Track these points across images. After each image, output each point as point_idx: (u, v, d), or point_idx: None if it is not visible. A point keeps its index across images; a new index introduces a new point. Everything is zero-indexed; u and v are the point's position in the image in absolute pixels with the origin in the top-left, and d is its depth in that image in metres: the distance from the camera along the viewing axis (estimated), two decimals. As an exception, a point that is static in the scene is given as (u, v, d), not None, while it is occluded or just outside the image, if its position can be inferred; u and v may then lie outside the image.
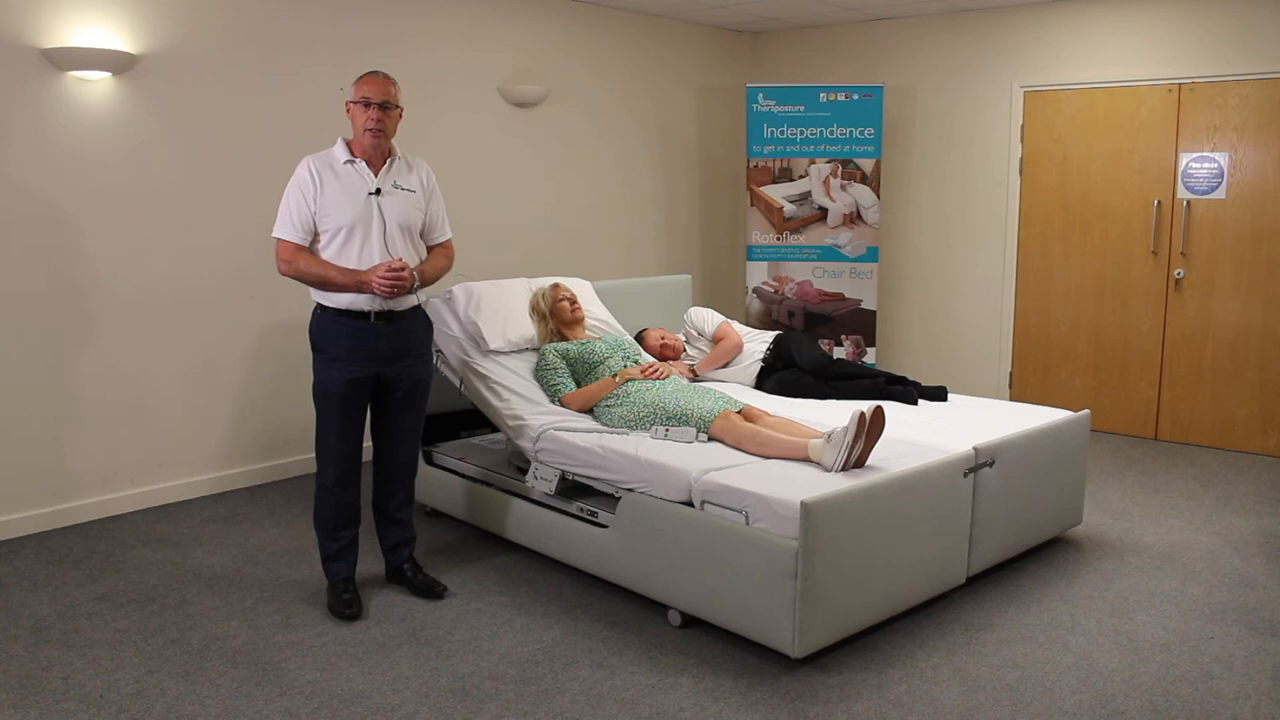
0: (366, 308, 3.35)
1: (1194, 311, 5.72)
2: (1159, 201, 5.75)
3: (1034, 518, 3.91)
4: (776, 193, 6.52)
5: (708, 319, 4.94)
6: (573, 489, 3.84)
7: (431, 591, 3.61)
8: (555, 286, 4.48)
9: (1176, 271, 5.74)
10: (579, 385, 4.18)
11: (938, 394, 4.48)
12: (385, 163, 3.41)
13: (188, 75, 4.57)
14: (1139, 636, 3.31)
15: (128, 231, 4.44)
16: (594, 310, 4.73)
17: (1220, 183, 5.56)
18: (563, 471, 3.81)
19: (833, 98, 6.40)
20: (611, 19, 6.37)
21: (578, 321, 4.44)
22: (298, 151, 4.93)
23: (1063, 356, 6.22)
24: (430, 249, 3.58)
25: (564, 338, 4.38)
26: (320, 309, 3.40)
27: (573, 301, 4.44)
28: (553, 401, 4.15)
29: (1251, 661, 3.14)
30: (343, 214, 3.31)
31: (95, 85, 4.31)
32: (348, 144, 3.41)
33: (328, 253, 3.34)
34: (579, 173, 6.31)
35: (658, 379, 4.11)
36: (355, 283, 3.30)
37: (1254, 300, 5.52)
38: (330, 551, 3.54)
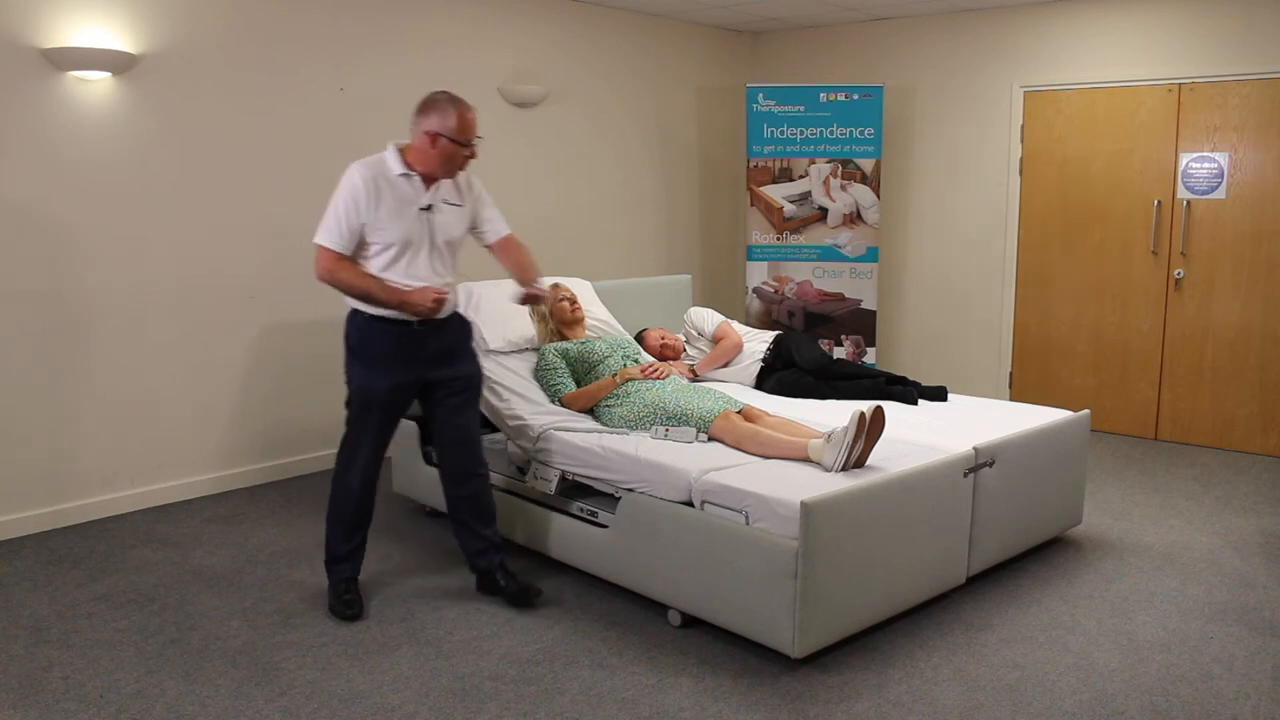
0: (409, 316, 3.29)
1: (1194, 311, 5.72)
2: (1159, 201, 5.75)
3: (1034, 518, 3.91)
4: (776, 193, 6.52)
5: (708, 319, 4.94)
6: (573, 489, 3.84)
7: (524, 597, 3.50)
8: (555, 286, 4.48)
9: (1176, 271, 5.74)
10: (579, 385, 4.18)
11: (938, 394, 4.48)
12: (436, 180, 3.33)
13: (188, 75, 4.57)
14: (1139, 636, 3.31)
15: (128, 231, 4.44)
16: (594, 310, 4.73)
17: (1220, 183, 5.56)
18: (563, 471, 3.81)
19: (833, 98, 6.40)
20: (611, 19, 6.37)
21: (578, 321, 4.43)
22: (299, 152, 4.97)
23: (1063, 356, 6.22)
24: (502, 244, 3.51)
25: (564, 338, 4.38)
26: (356, 314, 3.32)
27: (573, 301, 4.44)
28: (553, 401, 4.15)
29: (1251, 661, 3.14)
30: (396, 229, 3.22)
31: (95, 85, 4.31)
32: (401, 153, 3.28)
33: (375, 264, 3.24)
34: (579, 173, 6.31)
35: (658, 379, 4.11)
36: (398, 301, 3.21)
37: (1254, 300, 5.52)
38: (341, 553, 3.51)
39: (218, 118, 4.68)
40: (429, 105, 3.25)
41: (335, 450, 3.49)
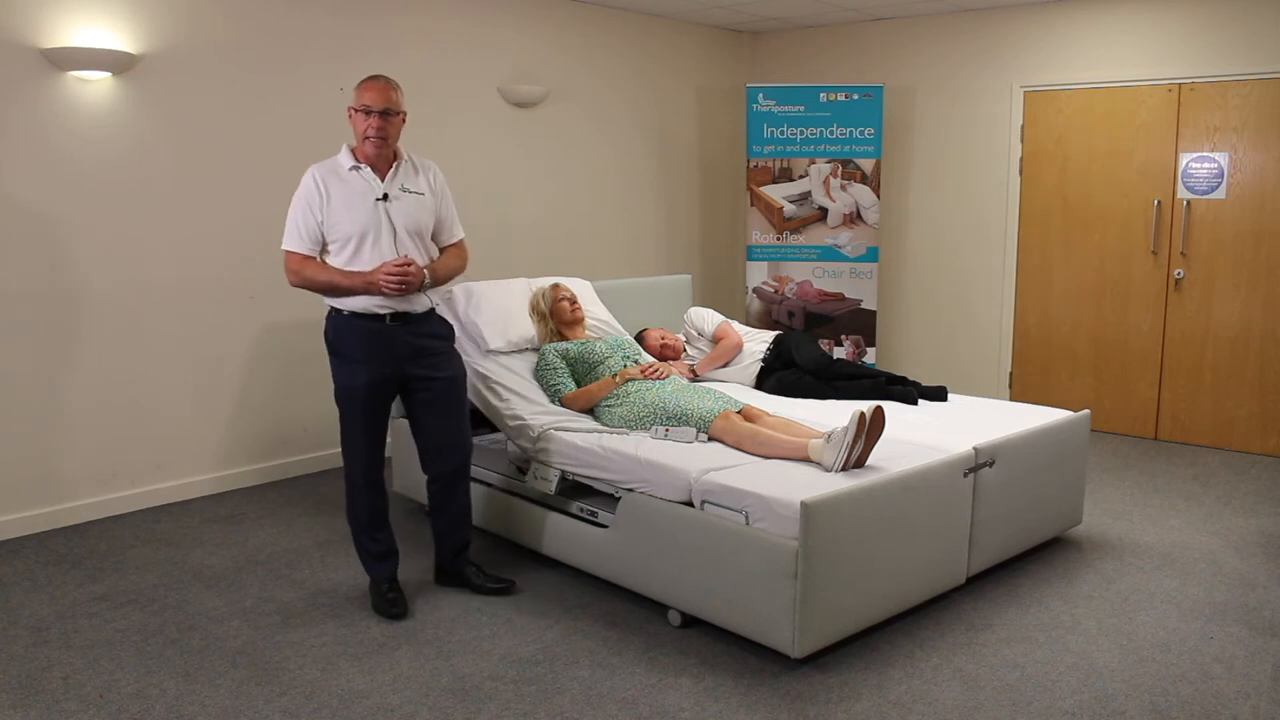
0: (380, 310, 3.32)
1: (1194, 311, 5.72)
2: (1159, 201, 5.75)
3: (1034, 518, 3.91)
4: (776, 193, 6.52)
5: (707, 319, 4.94)
6: (573, 489, 3.84)
7: (501, 589, 3.62)
8: (555, 286, 4.48)
9: (1176, 271, 5.74)
10: (579, 385, 4.18)
11: (938, 394, 4.48)
12: (392, 167, 3.37)
13: (188, 75, 4.57)
14: (1139, 636, 3.31)
15: (128, 232, 4.45)
16: (594, 310, 4.73)
17: (1220, 183, 5.56)
18: (563, 471, 3.81)
19: (832, 98, 6.40)
20: (611, 19, 6.37)
21: (578, 321, 4.44)
22: (299, 152, 4.96)
23: (1063, 356, 6.22)
24: (442, 249, 3.54)
25: (564, 338, 4.38)
26: (334, 312, 3.37)
27: (573, 301, 4.44)
28: (553, 401, 4.15)
29: (1251, 661, 3.14)
30: (351, 222, 3.27)
31: (95, 85, 4.31)
32: (352, 150, 3.36)
33: (338, 261, 3.30)
34: (579, 173, 6.31)
35: (658, 379, 4.11)
36: (363, 284, 3.25)
37: (1254, 300, 5.52)
38: (372, 550, 3.53)
39: (218, 118, 4.68)
40: None
41: (335, 450, 3.53)
